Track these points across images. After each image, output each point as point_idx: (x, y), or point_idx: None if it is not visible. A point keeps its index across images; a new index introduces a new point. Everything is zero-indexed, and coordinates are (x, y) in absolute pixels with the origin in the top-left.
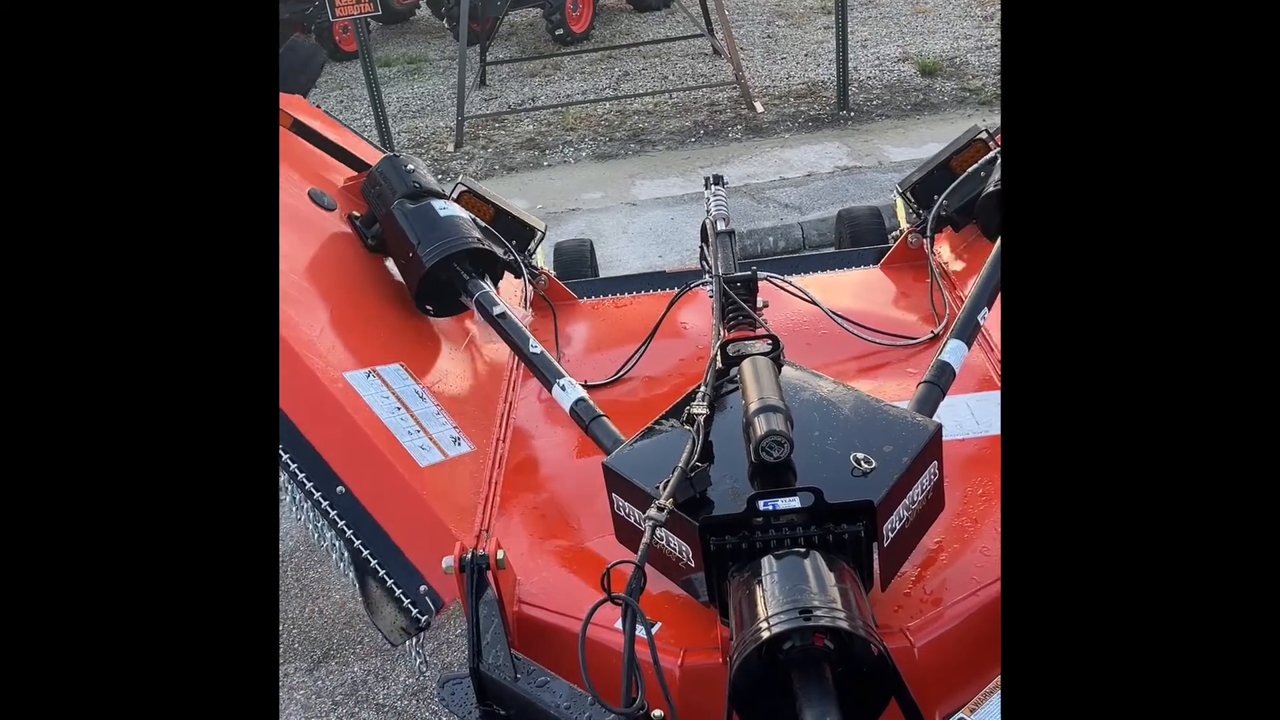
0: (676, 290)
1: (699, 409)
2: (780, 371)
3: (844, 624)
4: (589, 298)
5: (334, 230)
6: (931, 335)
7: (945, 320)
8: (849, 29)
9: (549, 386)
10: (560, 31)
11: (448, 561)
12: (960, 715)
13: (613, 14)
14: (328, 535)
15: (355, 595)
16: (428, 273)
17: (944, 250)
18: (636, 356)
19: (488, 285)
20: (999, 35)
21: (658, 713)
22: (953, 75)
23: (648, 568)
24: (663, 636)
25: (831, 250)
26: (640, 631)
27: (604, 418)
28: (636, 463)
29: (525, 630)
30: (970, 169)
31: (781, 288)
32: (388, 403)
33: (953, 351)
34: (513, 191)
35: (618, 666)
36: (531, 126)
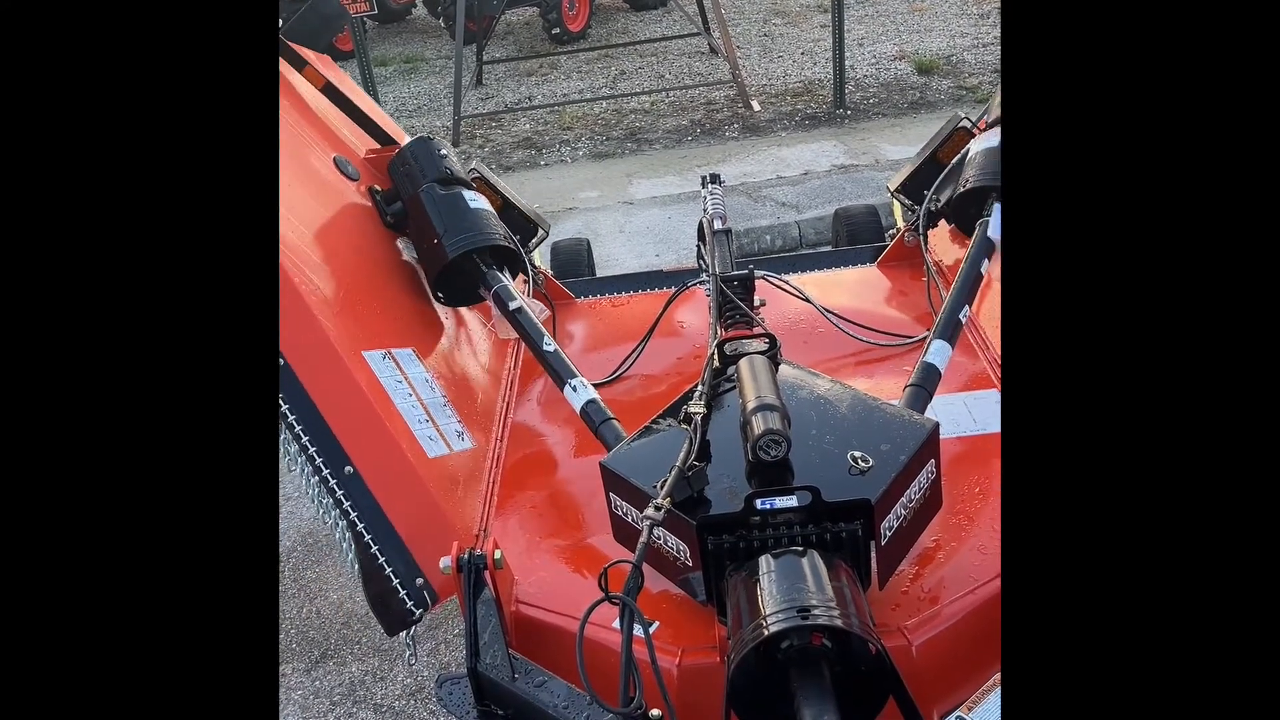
0: (674, 289)
1: (696, 408)
2: (777, 370)
3: (841, 623)
4: (586, 297)
5: (357, 201)
6: (928, 334)
7: None
8: (846, 27)
9: (561, 385)
10: (557, 30)
11: (445, 561)
12: (958, 713)
13: (609, 13)
14: (333, 513)
15: (353, 578)
16: (450, 263)
17: (944, 244)
18: (634, 356)
19: (506, 278)
20: (995, 33)
21: (656, 712)
22: (949, 73)
23: (645, 567)
24: (660, 636)
25: (828, 249)
26: (638, 631)
27: (614, 420)
28: (634, 462)
29: (523, 630)
30: (955, 160)
31: (779, 286)
32: (401, 388)
33: (937, 353)
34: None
35: (616, 666)
36: (528, 126)
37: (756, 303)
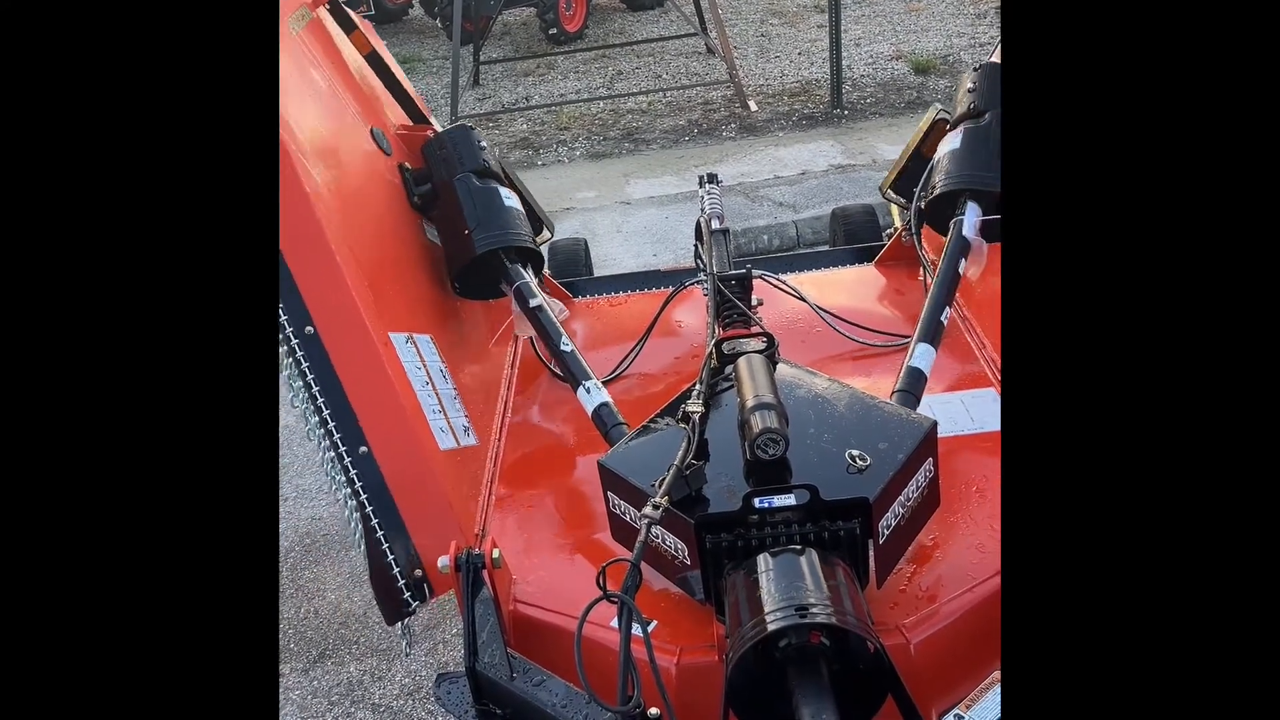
0: (671, 289)
1: (694, 407)
2: (775, 369)
3: (839, 621)
4: (584, 296)
5: (389, 178)
6: None
7: None
8: (842, 27)
9: (575, 386)
10: (554, 30)
11: (443, 561)
12: (956, 711)
13: (606, 13)
14: (344, 491)
15: (351, 579)
16: (477, 257)
17: (941, 242)
18: (632, 355)
19: (529, 275)
20: (991, 33)
21: (654, 711)
22: (946, 73)
23: (644, 566)
24: (659, 635)
25: (826, 248)
26: (636, 630)
27: (624, 425)
28: (632, 461)
29: (521, 629)
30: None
31: (777, 286)
32: (419, 375)
33: (921, 356)
34: None
35: (614, 665)
36: (525, 126)
37: (754, 302)
